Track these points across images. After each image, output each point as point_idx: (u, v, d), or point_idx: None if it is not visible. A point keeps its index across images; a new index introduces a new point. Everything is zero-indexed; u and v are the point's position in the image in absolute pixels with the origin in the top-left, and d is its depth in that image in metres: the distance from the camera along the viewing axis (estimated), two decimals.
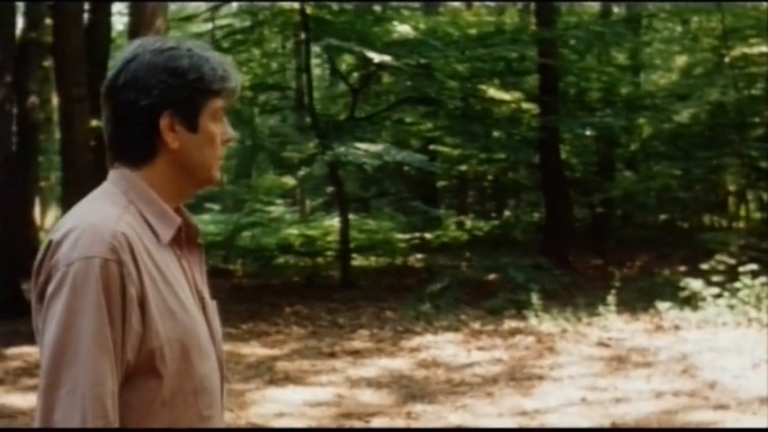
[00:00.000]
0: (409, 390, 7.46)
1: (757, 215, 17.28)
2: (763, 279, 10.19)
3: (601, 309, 10.11)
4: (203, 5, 15.83)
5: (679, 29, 18.30)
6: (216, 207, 18.82)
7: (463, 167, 17.48)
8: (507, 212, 20.89)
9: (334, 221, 16.33)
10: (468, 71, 14.30)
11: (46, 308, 1.60)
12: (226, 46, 13.76)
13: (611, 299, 10.06)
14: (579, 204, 16.67)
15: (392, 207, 19.68)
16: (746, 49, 12.69)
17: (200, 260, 1.85)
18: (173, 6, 15.93)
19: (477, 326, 10.01)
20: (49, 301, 1.59)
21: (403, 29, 12.17)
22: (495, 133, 15.19)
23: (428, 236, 17.29)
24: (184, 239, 1.78)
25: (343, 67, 15.69)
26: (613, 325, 9.71)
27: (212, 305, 1.85)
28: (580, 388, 7.36)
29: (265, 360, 8.63)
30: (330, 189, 18.51)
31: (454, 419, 6.55)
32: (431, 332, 9.79)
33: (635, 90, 16.60)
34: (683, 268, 12.95)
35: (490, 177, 19.05)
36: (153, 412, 1.66)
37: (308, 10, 12.62)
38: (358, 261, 16.66)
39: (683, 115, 13.27)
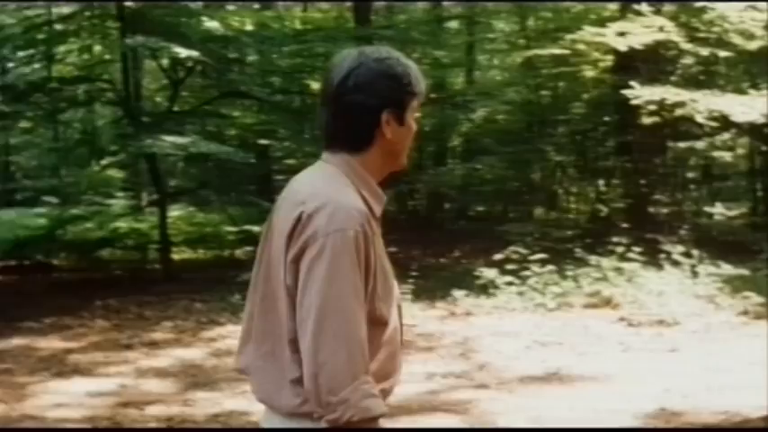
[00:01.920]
0: (195, 378, 7.65)
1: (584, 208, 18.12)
2: (550, 267, 10.89)
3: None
4: None
5: (506, 27, 19.01)
6: (54, 200, 18.43)
7: (291, 161, 17.69)
8: None
9: (170, 214, 16.28)
10: (289, 67, 14.53)
11: (307, 271, 1.96)
12: (41, 37, 13.58)
13: (406, 287, 10.52)
14: (403, 197, 17.19)
15: (227, 200, 19.70)
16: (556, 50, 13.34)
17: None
18: None
19: None
20: (310, 265, 1.95)
21: (212, 24, 12.32)
22: (310, 129, 15.42)
23: (256, 229, 17.42)
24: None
25: (167, 61, 15.65)
26: (407, 312, 10.15)
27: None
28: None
29: (58, 353, 8.64)
30: (174, 182, 18.52)
31: (229, 405, 6.78)
32: (233, 322, 10.00)
33: (464, 88, 17.25)
34: (495, 257, 13.61)
35: None
36: (380, 348, 2.06)
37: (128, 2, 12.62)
38: (186, 254, 16.70)
39: (479, 114, 13.90)
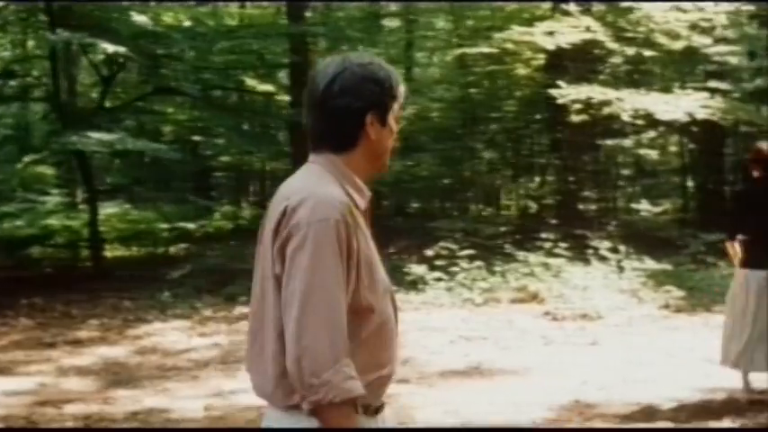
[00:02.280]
0: (117, 376, 7.60)
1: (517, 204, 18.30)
2: (479, 263, 11.02)
3: None
4: None
5: (445, 25, 19.07)
6: None
7: (226, 158, 17.65)
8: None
9: (105, 211, 16.12)
10: (223, 63, 14.47)
11: (290, 260, 2.04)
12: None
13: None
14: None
15: (161, 197, 19.55)
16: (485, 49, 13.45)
17: (369, 222, 2.27)
18: None
19: (208, 313, 10.27)
20: (293, 254, 2.04)
21: (141, 20, 12.21)
22: (245, 126, 15.42)
23: (191, 226, 17.35)
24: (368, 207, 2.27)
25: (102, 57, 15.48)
26: None
27: None
28: None
29: None
30: (110, 179, 18.32)
31: (149, 403, 6.74)
32: (161, 320, 9.96)
33: None
34: (426, 253, 13.72)
35: (246, 168, 19.27)
36: (370, 337, 2.12)
37: None
38: (119, 251, 16.54)
39: (413, 111, 13.98)
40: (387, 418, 2.26)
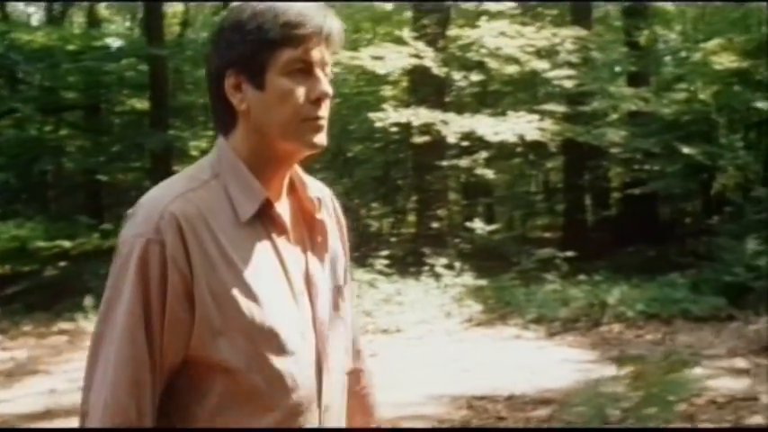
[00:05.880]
0: None
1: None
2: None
3: None
4: None
5: None
6: None
7: (103, 177, 17.81)
8: None
9: None
10: (83, 83, 14.75)
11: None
12: None
13: None
14: None
15: (42, 215, 19.65)
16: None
17: (324, 237, 1.73)
18: None
19: (27, 328, 10.49)
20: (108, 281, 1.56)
21: None
22: (116, 147, 15.67)
23: (68, 244, 17.47)
24: (285, 215, 1.66)
25: None
26: None
27: (328, 289, 1.72)
28: (66, 381, 8.03)
29: None
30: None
31: None
32: None
33: None
34: None
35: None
36: (222, 406, 1.55)
37: None
38: None
39: None
40: None
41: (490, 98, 14.97)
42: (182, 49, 15.12)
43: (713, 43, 14.68)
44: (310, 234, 1.70)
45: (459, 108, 13.71)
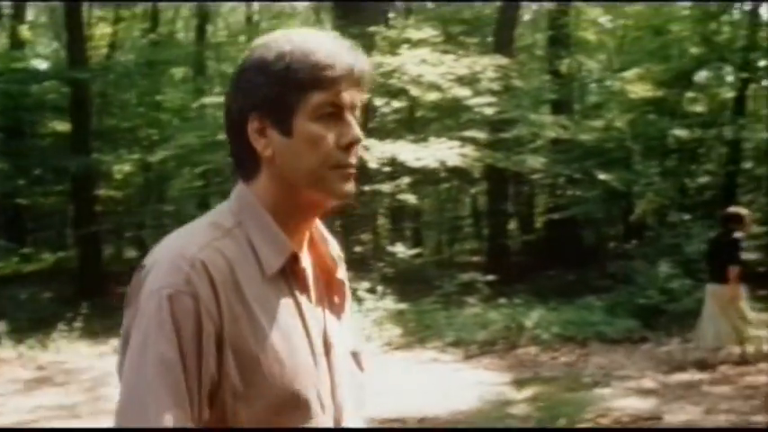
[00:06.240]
0: None
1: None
2: None
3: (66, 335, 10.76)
4: None
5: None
6: None
7: (23, 201, 17.58)
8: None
9: None
10: (2, 105, 14.54)
11: (124, 343, 1.41)
12: None
13: (77, 324, 10.75)
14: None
15: None
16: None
17: (342, 298, 1.62)
18: None
19: None
20: (126, 335, 1.41)
21: None
22: (37, 170, 15.49)
23: None
24: (308, 271, 1.54)
25: None
26: (70, 350, 10.39)
27: (347, 354, 1.59)
28: None
29: None
30: None
31: None
32: None
33: None
34: None
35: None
36: None
37: None
38: None
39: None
40: None
41: (416, 125, 15.13)
42: (108, 71, 14.97)
43: (631, 73, 15.10)
44: (328, 293, 1.59)
45: (383, 134, 13.80)
